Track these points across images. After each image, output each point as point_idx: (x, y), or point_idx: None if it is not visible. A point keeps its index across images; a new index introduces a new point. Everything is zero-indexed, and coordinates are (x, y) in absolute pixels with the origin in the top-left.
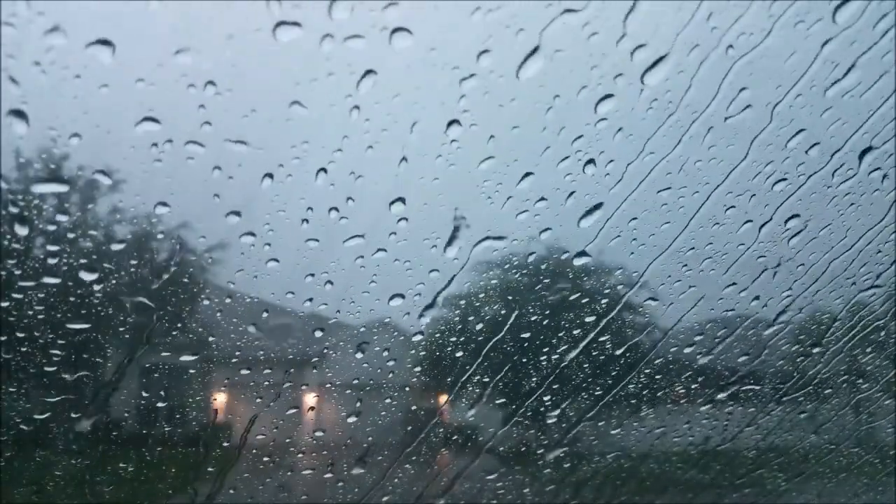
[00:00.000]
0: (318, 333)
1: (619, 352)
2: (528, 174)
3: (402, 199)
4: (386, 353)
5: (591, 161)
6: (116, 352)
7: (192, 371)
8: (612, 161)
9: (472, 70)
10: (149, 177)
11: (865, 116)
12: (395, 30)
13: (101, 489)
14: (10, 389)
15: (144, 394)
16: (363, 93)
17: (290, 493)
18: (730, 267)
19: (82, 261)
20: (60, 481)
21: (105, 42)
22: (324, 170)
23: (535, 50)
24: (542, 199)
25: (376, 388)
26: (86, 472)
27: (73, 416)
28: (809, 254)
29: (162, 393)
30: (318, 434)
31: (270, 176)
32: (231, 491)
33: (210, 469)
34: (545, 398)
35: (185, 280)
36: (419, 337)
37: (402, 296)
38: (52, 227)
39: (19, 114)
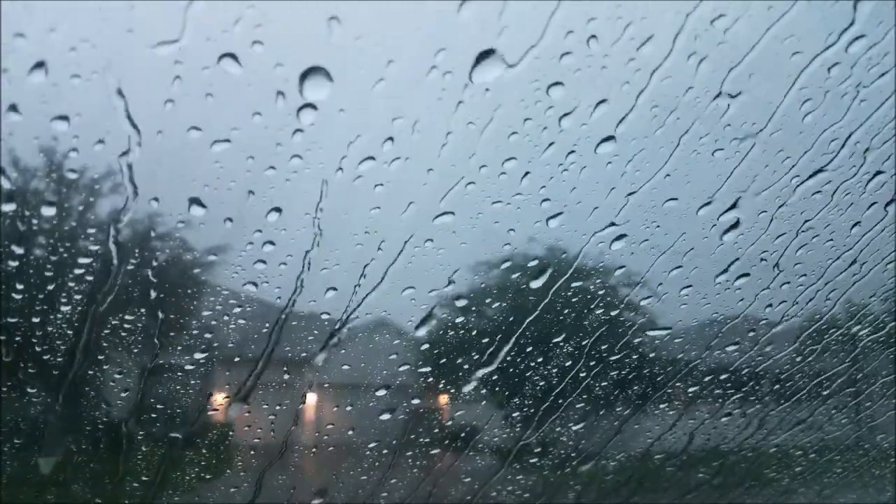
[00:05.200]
0: (319, 333)
1: (619, 352)
2: (526, 174)
3: (401, 200)
4: (387, 353)
5: (590, 162)
6: (117, 352)
7: (192, 371)
8: (610, 163)
9: (469, 70)
10: (149, 177)
11: (865, 116)
12: (403, 31)
13: (102, 489)
14: (10, 389)
15: (145, 394)
16: (362, 93)
17: (291, 493)
18: (729, 267)
19: (83, 260)
20: (61, 481)
21: (103, 41)
22: (324, 170)
23: (533, 50)
24: (543, 199)
25: (377, 388)
26: (86, 471)
27: (73, 416)
28: (809, 254)
29: (162, 393)
30: (319, 434)
31: (271, 176)
32: (232, 491)
33: (210, 469)
34: (546, 398)
35: (186, 280)
36: (420, 337)
37: (402, 295)
38: (52, 228)
39: (19, 113)
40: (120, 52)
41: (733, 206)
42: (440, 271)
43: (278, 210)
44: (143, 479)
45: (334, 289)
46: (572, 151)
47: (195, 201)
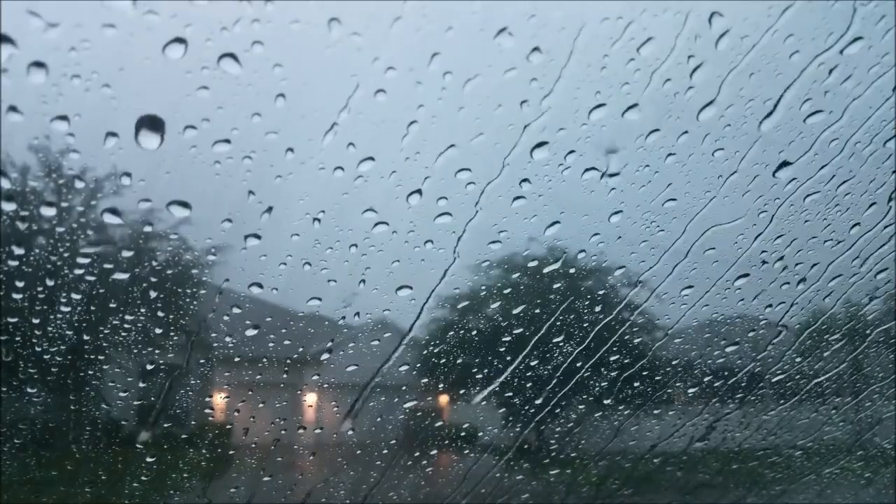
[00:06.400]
0: (319, 333)
1: (619, 352)
2: (524, 180)
3: (401, 200)
4: (387, 353)
5: (590, 163)
6: (117, 352)
7: (192, 371)
8: (609, 162)
9: (469, 70)
10: (150, 177)
11: (865, 116)
12: (402, 30)
13: (102, 489)
14: (10, 389)
15: (145, 394)
16: (363, 95)
17: (291, 493)
18: (730, 267)
19: (83, 260)
20: (60, 481)
21: (103, 41)
22: (324, 170)
23: (533, 51)
24: (543, 200)
25: (378, 388)
26: (86, 472)
27: (73, 416)
28: (809, 253)
29: (162, 393)
30: (319, 433)
31: (271, 176)
32: (231, 491)
33: (210, 469)
34: (546, 398)
35: (186, 280)
36: (420, 337)
37: (402, 295)
38: (52, 228)
39: (20, 113)
40: (120, 52)
41: (733, 207)
42: (440, 271)
43: (278, 210)
44: (143, 479)
45: (334, 289)
46: (572, 151)
47: (195, 202)
